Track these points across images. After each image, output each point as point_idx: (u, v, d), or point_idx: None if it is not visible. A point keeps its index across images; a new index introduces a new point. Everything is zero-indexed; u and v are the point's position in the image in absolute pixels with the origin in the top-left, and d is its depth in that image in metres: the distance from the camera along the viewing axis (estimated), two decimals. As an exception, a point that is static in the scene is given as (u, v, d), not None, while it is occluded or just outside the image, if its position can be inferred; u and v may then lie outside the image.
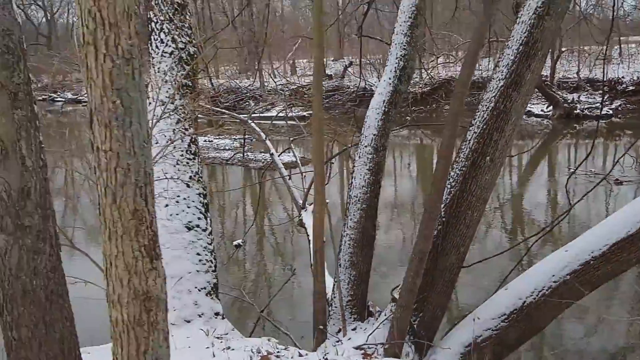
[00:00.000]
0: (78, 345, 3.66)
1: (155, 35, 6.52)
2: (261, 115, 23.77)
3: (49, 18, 54.52)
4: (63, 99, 41.30)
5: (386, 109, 6.41)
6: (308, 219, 10.48)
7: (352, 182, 6.45)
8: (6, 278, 3.31)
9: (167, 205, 6.03)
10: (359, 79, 31.58)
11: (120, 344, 2.19)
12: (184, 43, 6.59)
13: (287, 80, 36.35)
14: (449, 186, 5.41)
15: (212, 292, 6.07)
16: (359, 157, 6.41)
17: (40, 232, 3.32)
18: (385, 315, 5.74)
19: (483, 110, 5.35)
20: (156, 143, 5.91)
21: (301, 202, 10.92)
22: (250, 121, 12.67)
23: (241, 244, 12.14)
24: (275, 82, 34.87)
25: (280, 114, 20.46)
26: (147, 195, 2.07)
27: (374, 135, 6.36)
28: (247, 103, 31.83)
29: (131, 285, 2.14)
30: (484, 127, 5.32)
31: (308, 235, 9.93)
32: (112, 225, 2.09)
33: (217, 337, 5.41)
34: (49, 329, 3.43)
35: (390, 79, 6.47)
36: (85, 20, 1.81)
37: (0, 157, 3.12)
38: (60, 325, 3.50)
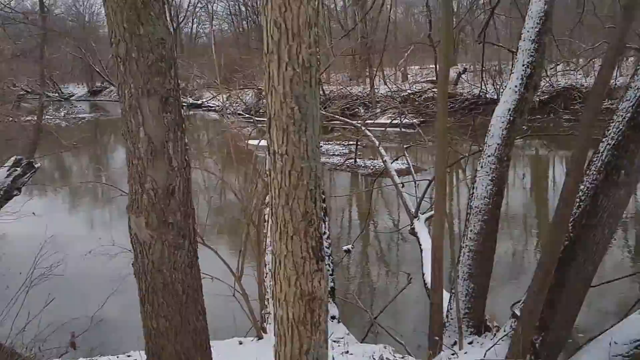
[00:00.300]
0: (209, 338, 3.84)
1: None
2: (373, 122, 23.78)
3: (174, 27, 57.74)
4: (185, 104, 43.47)
5: (511, 118, 6.21)
6: (420, 227, 10.36)
7: (472, 193, 6.31)
8: (148, 271, 3.54)
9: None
10: (473, 86, 30.88)
11: (284, 342, 2.27)
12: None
13: (399, 87, 36.16)
14: (578, 200, 5.15)
15: (328, 296, 6.15)
16: (482, 166, 6.26)
17: (181, 229, 3.52)
18: (504, 331, 5.55)
19: (618, 121, 5.04)
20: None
21: (414, 210, 10.81)
22: (363, 128, 12.74)
23: (350, 249, 12.20)
24: (390, 88, 34.78)
25: (394, 121, 20.39)
26: (316, 198, 2.15)
27: (498, 144, 6.18)
28: (357, 110, 31.99)
29: (298, 285, 2.21)
30: (619, 138, 5.00)
31: (420, 245, 9.82)
32: (284, 226, 2.18)
33: (334, 341, 5.47)
34: (185, 321, 3.63)
35: (516, 86, 6.26)
36: (270, 30, 1.92)
37: (150, 156, 3.34)
38: (194, 318, 3.69)
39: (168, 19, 3.34)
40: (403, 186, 11.15)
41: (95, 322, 6.76)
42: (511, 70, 6.61)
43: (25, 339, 6.34)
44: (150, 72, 3.24)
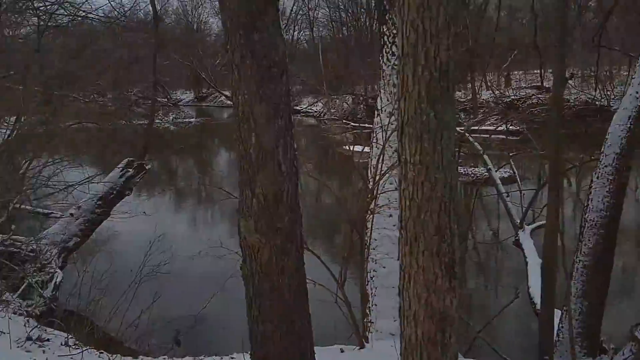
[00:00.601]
0: (313, 344, 3.82)
1: (387, 48, 6.65)
2: (478, 128, 23.06)
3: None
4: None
5: (632, 126, 5.79)
6: (525, 239, 9.94)
7: (587, 205, 5.94)
8: (256, 274, 3.56)
9: (390, 216, 6.08)
10: (581, 92, 29.35)
11: (413, 362, 2.15)
12: (414, 55, 6.63)
13: (501, 93, 35.01)
14: None
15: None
16: (597, 177, 5.88)
17: (289, 234, 3.52)
18: (623, 354, 5.16)
19: None
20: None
21: (518, 221, 10.40)
22: (467, 134, 12.40)
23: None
24: (494, 94, 33.75)
25: (498, 128, 19.73)
26: (451, 212, 2.05)
27: (616, 154, 5.78)
28: (457, 115, 31.23)
29: (429, 303, 2.10)
30: None
31: (525, 257, 9.41)
32: (414, 240, 2.07)
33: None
34: (290, 326, 3.62)
35: (637, 92, 5.84)
36: (407, 32, 1.82)
37: (261, 162, 3.36)
38: (300, 323, 3.68)
39: (282, 25, 3.36)
40: (508, 195, 10.77)
41: (199, 321, 6.95)
42: (631, 75, 6.18)
43: (134, 333, 6.64)
44: (263, 79, 3.27)
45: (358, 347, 5.47)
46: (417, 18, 1.79)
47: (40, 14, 14.05)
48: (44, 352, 5.11)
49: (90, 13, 15.33)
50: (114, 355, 5.34)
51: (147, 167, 11.36)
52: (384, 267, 6.11)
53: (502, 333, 8.49)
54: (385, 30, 6.72)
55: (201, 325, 7.11)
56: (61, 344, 5.39)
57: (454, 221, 2.03)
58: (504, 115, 22.97)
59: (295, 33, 56.83)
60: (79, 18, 15.37)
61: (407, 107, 1.97)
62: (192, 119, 41.50)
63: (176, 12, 54.79)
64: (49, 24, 14.39)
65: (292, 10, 52.40)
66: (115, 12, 16.41)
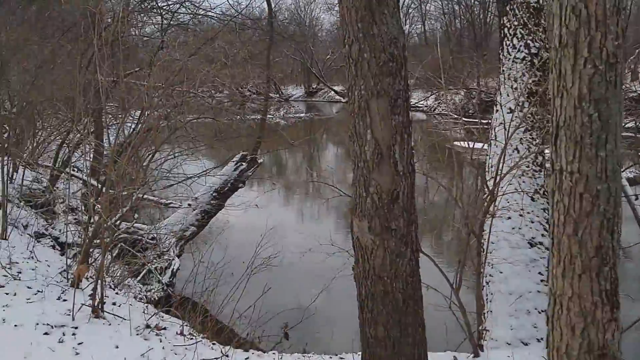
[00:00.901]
0: (427, 352, 3.66)
1: (508, 40, 6.31)
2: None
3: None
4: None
5: None
6: (657, 246, 9.17)
7: None
8: (369, 276, 3.46)
9: (509, 218, 5.77)
10: None
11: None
12: (537, 48, 6.25)
13: (627, 87, 32.58)
14: None
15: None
16: None
17: (404, 236, 3.39)
18: None
19: None
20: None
21: (649, 227, 9.59)
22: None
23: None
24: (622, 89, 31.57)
25: (624, 125, 18.40)
26: (614, 231, 1.78)
27: None
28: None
29: (585, 336, 1.83)
30: None
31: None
32: (569, 261, 1.79)
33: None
34: (403, 331, 3.48)
35: None
36: (567, 19, 1.57)
37: (376, 160, 3.24)
38: (413, 329, 3.54)
39: (401, 17, 3.21)
40: (637, 198, 9.95)
41: (308, 317, 6.96)
42: None
43: (244, 323, 6.75)
44: (381, 73, 3.15)
45: (472, 355, 5.22)
46: (580, 1, 1.52)
47: (164, 12, 14.80)
48: (160, 340, 5.28)
49: (209, 11, 15.95)
50: (227, 348, 5.42)
51: (259, 161, 11.63)
52: (501, 272, 5.81)
53: (631, 347, 7.85)
54: (505, 21, 6.37)
55: (310, 321, 7.11)
56: (177, 333, 5.55)
57: (617, 241, 1.75)
58: (631, 111, 21.31)
59: (407, 27, 56.23)
60: (199, 16, 16.04)
61: (564, 106, 1.69)
62: (302, 114, 42.10)
63: (289, 8, 55.84)
64: (171, 22, 15.12)
65: (403, 4, 51.90)
66: (232, 10, 16.95)
